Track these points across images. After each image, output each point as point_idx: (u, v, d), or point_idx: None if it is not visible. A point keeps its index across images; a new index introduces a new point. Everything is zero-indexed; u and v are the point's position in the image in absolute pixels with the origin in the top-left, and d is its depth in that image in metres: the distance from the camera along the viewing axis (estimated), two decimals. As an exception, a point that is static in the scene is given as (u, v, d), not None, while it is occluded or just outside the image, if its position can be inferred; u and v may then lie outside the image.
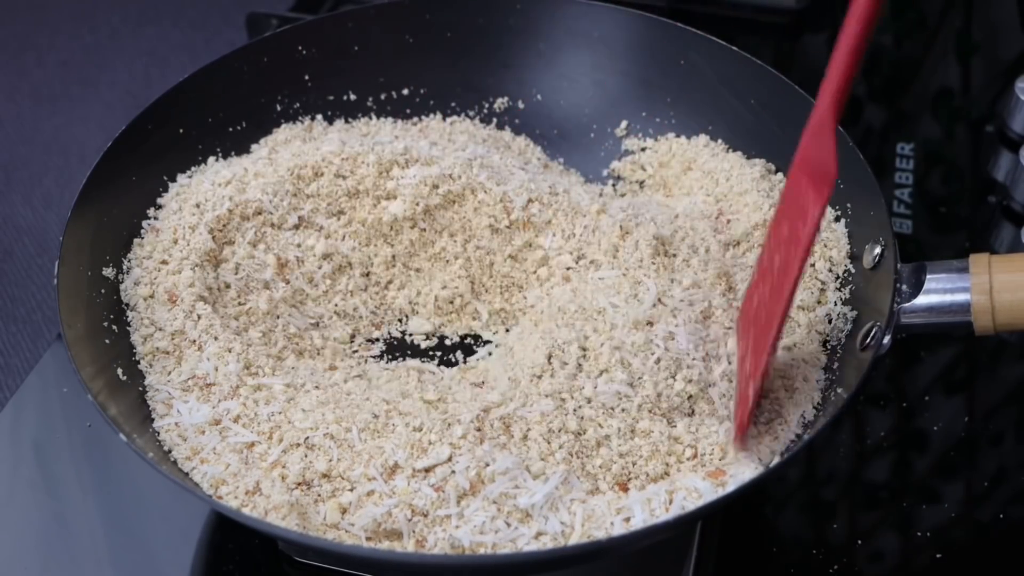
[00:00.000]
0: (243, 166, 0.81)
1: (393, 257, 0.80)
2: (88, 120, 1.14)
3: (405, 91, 0.90)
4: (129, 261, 0.75)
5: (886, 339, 0.68)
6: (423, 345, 0.79)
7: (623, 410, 0.68)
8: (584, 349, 0.71)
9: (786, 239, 0.65)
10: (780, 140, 0.83)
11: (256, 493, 0.65)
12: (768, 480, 0.75)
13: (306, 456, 0.66)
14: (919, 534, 0.75)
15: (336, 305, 0.79)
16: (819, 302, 0.75)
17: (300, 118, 0.88)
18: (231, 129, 0.85)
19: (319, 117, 0.89)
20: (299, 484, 0.66)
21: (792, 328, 0.74)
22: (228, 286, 0.75)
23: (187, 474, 0.67)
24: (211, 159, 0.84)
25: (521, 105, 0.91)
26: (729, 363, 0.71)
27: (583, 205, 0.80)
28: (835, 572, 0.72)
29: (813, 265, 0.76)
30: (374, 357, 0.78)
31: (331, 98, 0.89)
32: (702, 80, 0.87)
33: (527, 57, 0.91)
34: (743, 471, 0.67)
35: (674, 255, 0.77)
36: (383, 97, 0.90)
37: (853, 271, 0.75)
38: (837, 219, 0.78)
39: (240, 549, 0.73)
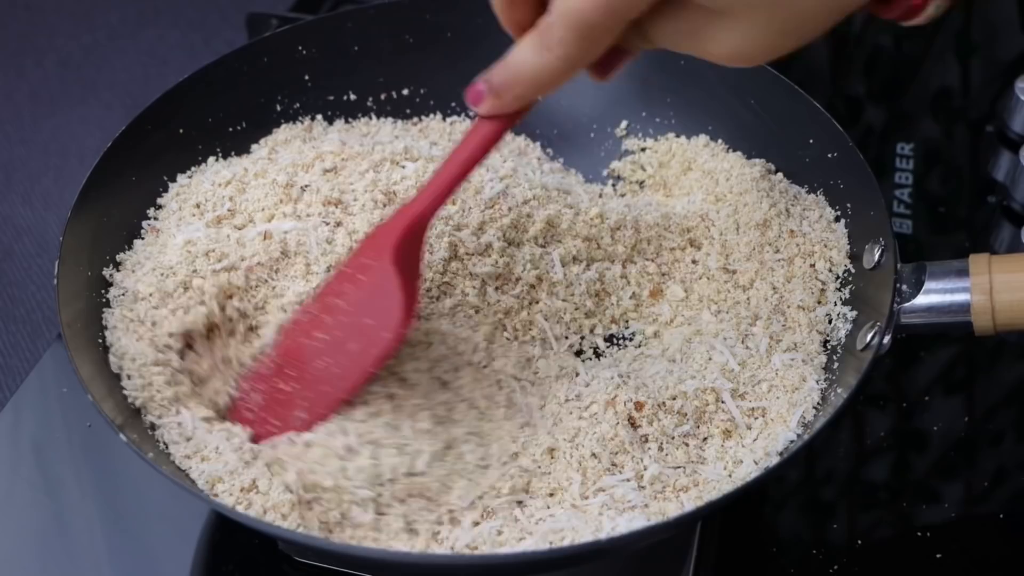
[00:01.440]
0: (243, 166, 0.81)
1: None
2: (88, 120, 1.14)
3: (405, 91, 0.90)
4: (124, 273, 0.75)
5: (886, 339, 0.68)
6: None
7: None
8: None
9: (367, 330, 0.66)
10: (780, 140, 0.83)
11: (253, 491, 0.65)
12: (768, 480, 0.75)
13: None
14: (919, 534, 0.75)
15: None
16: (819, 302, 0.75)
17: (300, 118, 0.88)
18: (231, 129, 0.85)
19: (319, 117, 0.89)
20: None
21: (792, 328, 0.74)
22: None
23: (185, 472, 0.67)
24: (211, 159, 0.84)
25: (521, 105, 0.91)
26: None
27: (583, 206, 0.80)
28: (835, 572, 0.72)
29: (813, 266, 0.76)
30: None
31: (331, 98, 0.89)
32: (702, 80, 0.87)
33: (527, 57, 0.91)
34: (743, 472, 0.67)
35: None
36: (383, 97, 0.90)
37: (853, 271, 0.75)
38: (837, 219, 0.78)
39: (240, 549, 0.73)
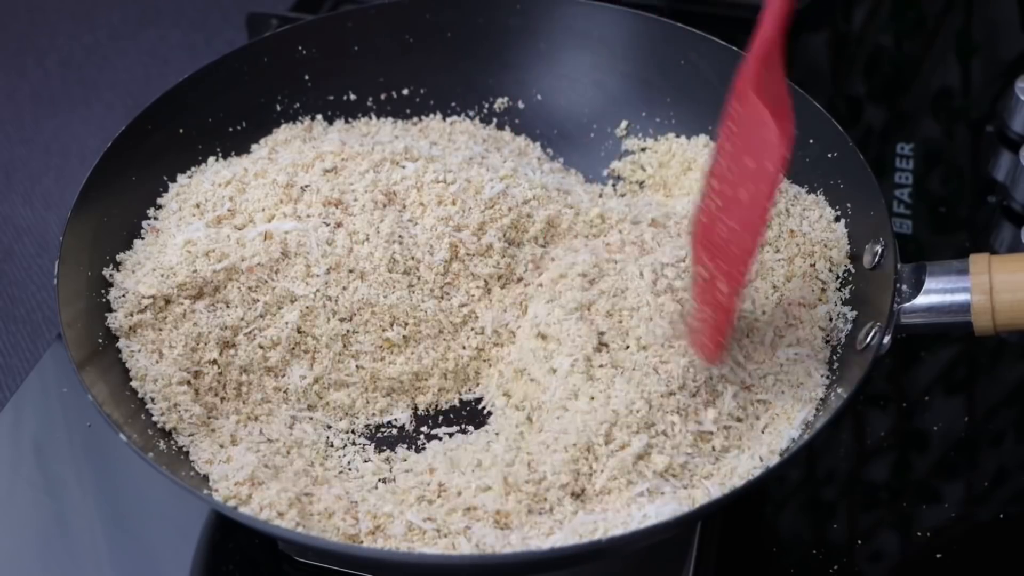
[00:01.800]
0: (243, 166, 0.81)
1: None
2: (88, 120, 1.14)
3: (405, 91, 0.90)
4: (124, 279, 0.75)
5: (886, 339, 0.68)
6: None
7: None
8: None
9: (751, 172, 0.63)
10: (780, 140, 0.83)
11: (253, 484, 0.65)
12: (768, 480, 0.75)
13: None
14: (919, 534, 0.75)
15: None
16: (820, 300, 0.75)
17: (300, 118, 0.88)
18: (231, 129, 0.85)
19: (319, 117, 0.89)
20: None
21: (795, 325, 0.74)
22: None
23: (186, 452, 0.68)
24: (211, 159, 0.84)
25: (521, 105, 0.91)
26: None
27: (583, 206, 0.80)
28: (835, 572, 0.72)
29: (813, 265, 0.76)
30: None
31: (331, 98, 0.89)
32: (702, 80, 0.87)
33: (527, 57, 0.91)
34: (743, 472, 0.67)
35: None
36: (383, 97, 0.90)
37: (853, 271, 0.75)
38: (837, 219, 0.78)
39: (240, 549, 0.73)
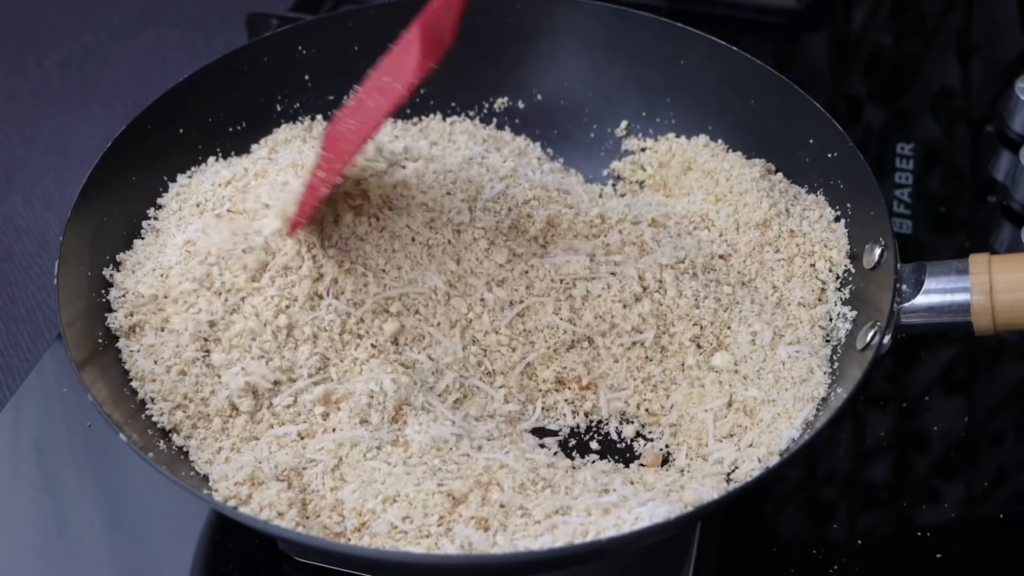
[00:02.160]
0: (243, 166, 0.81)
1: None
2: (89, 120, 1.14)
3: (405, 91, 0.90)
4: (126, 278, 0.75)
5: (886, 339, 0.68)
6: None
7: None
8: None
9: (383, 87, 0.70)
10: (780, 140, 0.83)
11: (252, 484, 0.65)
12: (768, 480, 0.75)
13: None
14: (919, 534, 0.75)
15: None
16: (820, 300, 0.75)
17: (300, 118, 0.88)
18: (231, 129, 0.85)
19: (319, 117, 0.89)
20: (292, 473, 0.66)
21: (795, 324, 0.74)
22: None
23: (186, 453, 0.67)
24: (211, 159, 0.84)
25: (521, 105, 0.91)
26: None
27: (583, 206, 0.80)
28: (835, 572, 0.72)
29: (813, 265, 0.76)
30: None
31: (331, 98, 0.89)
32: (702, 80, 0.87)
33: (527, 57, 0.91)
34: (743, 472, 0.67)
35: None
36: (383, 97, 0.90)
37: (853, 271, 0.75)
38: (837, 219, 0.78)
39: (240, 549, 0.73)
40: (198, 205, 0.79)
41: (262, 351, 0.71)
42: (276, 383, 0.70)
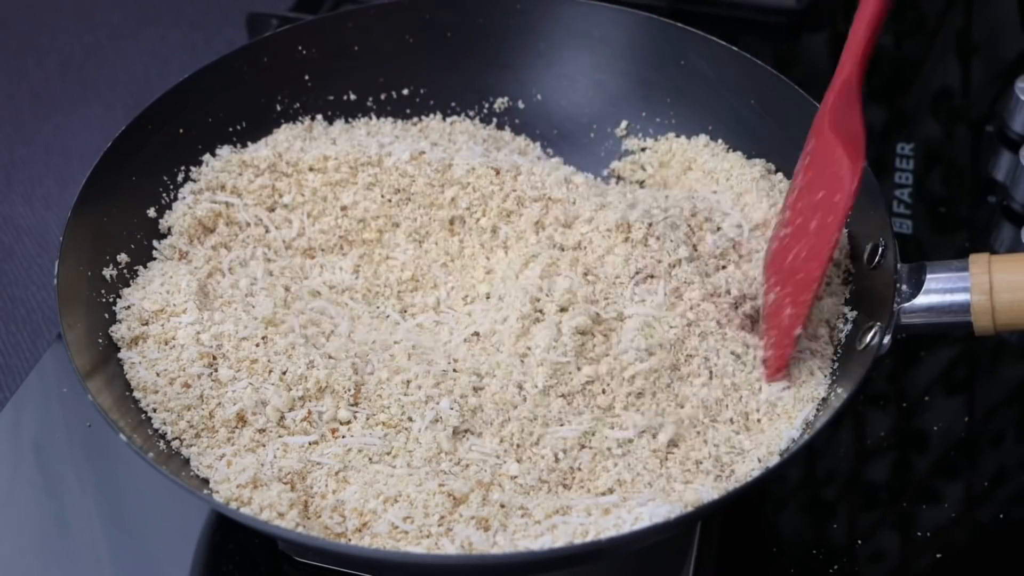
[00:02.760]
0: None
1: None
2: (88, 120, 1.14)
3: (405, 91, 0.90)
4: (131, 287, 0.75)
5: (886, 339, 0.68)
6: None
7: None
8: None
9: (821, 203, 0.68)
10: (780, 140, 0.83)
11: (254, 487, 0.65)
12: (768, 480, 0.75)
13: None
14: (919, 534, 0.75)
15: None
16: (826, 292, 0.75)
17: (300, 118, 0.88)
18: (231, 129, 0.85)
19: (319, 117, 0.89)
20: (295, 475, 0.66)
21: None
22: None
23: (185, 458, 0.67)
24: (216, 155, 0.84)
25: (521, 105, 0.91)
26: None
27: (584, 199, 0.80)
28: (835, 572, 0.72)
29: None
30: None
31: (331, 98, 0.89)
32: (702, 80, 0.87)
33: (527, 57, 0.91)
34: (743, 472, 0.67)
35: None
36: (383, 97, 0.90)
37: (853, 271, 0.75)
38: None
39: (240, 549, 0.73)
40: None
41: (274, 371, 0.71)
42: (292, 401, 0.70)
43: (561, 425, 0.69)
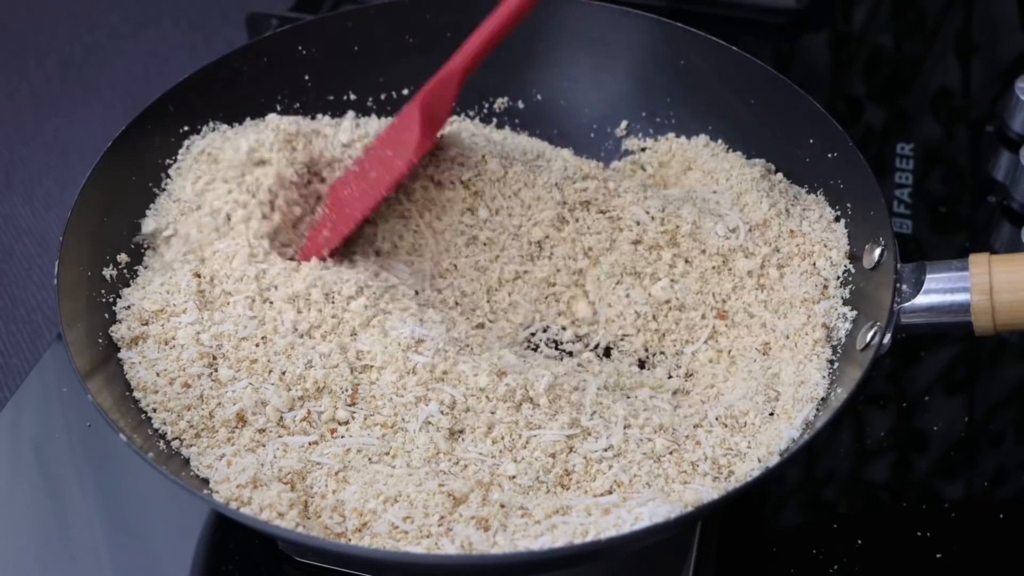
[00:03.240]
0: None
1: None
2: (89, 120, 1.14)
3: (405, 91, 0.90)
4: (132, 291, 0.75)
5: (886, 339, 0.68)
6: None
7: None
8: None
9: (386, 160, 0.78)
10: (780, 140, 0.83)
11: (253, 487, 0.65)
12: (768, 480, 0.75)
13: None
14: (919, 534, 0.75)
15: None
16: (822, 296, 0.75)
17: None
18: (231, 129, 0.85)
19: (319, 117, 0.88)
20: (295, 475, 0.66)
21: (795, 324, 0.74)
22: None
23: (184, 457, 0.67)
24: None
25: (521, 105, 0.91)
26: None
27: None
28: (835, 572, 0.72)
29: (813, 264, 0.76)
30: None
31: (331, 98, 0.89)
32: (702, 80, 0.87)
33: (527, 57, 0.91)
34: (744, 472, 0.67)
35: None
36: (383, 97, 0.90)
37: (853, 271, 0.75)
38: (837, 219, 0.78)
39: (240, 549, 0.73)
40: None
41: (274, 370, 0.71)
42: (292, 401, 0.70)
43: (540, 428, 0.68)
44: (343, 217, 0.78)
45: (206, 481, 0.67)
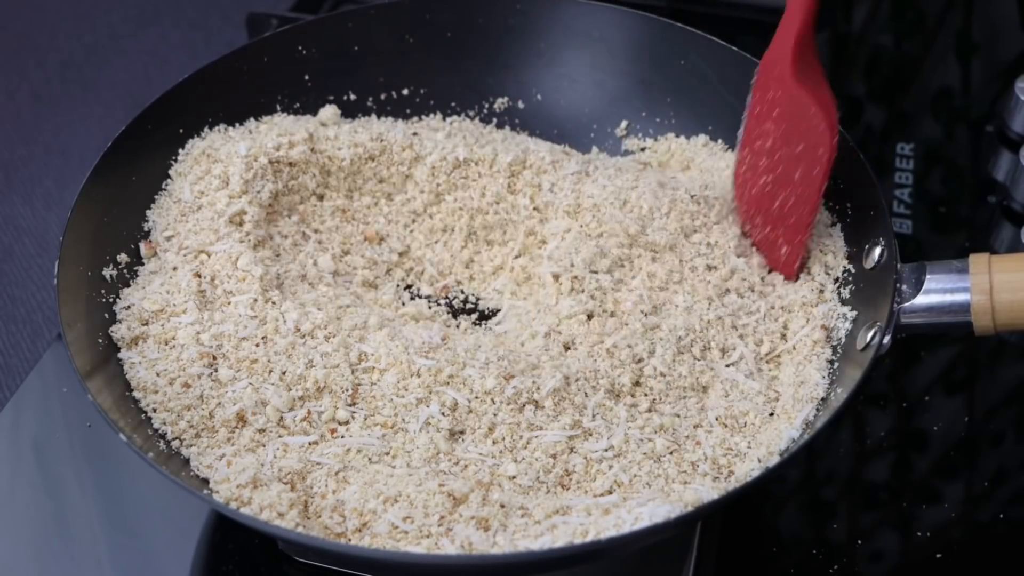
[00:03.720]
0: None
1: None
2: (88, 120, 1.14)
3: (405, 91, 0.90)
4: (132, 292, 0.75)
5: (886, 339, 0.68)
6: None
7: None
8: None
9: (803, 155, 0.72)
10: (780, 140, 0.83)
11: (254, 487, 0.65)
12: (768, 480, 0.75)
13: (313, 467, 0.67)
14: (919, 534, 0.75)
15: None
16: (820, 299, 0.75)
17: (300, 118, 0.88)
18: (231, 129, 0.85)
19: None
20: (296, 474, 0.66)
21: (796, 325, 0.74)
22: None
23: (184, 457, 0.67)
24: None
25: (521, 105, 0.91)
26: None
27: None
28: (835, 572, 0.72)
29: (809, 271, 0.76)
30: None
31: (331, 98, 0.89)
32: (702, 80, 0.87)
33: (527, 57, 0.91)
34: (744, 471, 0.67)
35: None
36: (383, 97, 0.90)
37: (853, 271, 0.75)
38: (834, 223, 0.78)
39: (240, 549, 0.73)
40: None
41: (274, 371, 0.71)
42: (292, 401, 0.70)
43: (541, 429, 0.69)
44: (793, 228, 0.74)
45: (206, 481, 0.67)
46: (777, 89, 0.73)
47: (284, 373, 0.70)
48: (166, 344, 0.72)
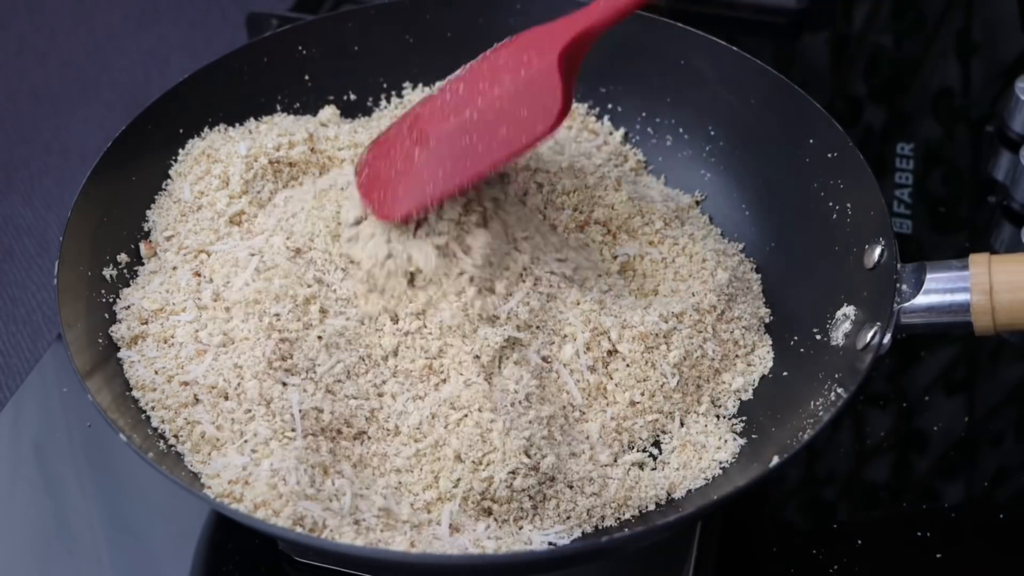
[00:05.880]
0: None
1: None
2: (88, 120, 1.14)
3: (405, 91, 0.90)
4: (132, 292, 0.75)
5: (886, 339, 0.68)
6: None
7: None
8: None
9: (521, 119, 0.69)
10: (780, 140, 0.82)
11: (246, 483, 0.65)
12: (768, 480, 0.75)
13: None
14: (919, 534, 0.75)
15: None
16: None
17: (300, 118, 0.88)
18: (231, 129, 0.85)
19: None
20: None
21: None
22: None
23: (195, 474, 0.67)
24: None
25: (521, 105, 0.91)
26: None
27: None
28: (835, 572, 0.72)
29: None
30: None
31: (331, 98, 0.89)
32: (702, 80, 0.87)
33: (527, 57, 0.91)
34: (744, 471, 0.67)
35: None
36: (383, 97, 0.90)
37: (853, 271, 0.75)
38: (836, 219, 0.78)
39: (240, 549, 0.73)
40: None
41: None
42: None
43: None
44: (459, 168, 0.70)
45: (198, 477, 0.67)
46: (537, 54, 0.70)
47: None
48: (164, 342, 0.72)
